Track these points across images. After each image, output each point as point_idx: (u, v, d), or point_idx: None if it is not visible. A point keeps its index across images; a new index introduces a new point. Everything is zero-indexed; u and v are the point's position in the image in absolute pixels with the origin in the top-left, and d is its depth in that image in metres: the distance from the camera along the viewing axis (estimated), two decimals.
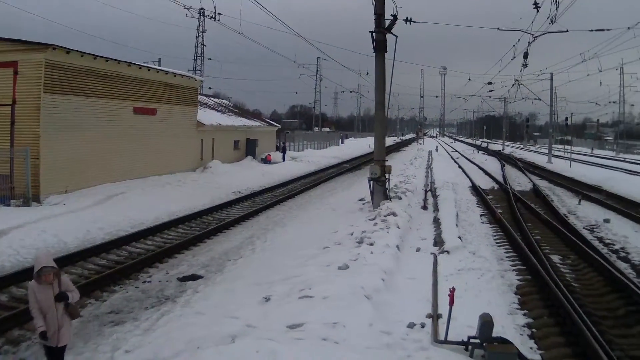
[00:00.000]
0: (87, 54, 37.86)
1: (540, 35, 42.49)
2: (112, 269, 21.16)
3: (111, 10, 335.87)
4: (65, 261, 21.57)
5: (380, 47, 32.75)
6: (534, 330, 14.16)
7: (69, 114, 36.12)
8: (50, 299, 10.95)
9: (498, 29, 45.52)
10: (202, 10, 75.65)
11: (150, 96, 46.79)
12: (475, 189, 44.30)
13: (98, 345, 13.89)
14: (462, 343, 12.41)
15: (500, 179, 52.91)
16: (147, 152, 45.59)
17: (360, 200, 36.30)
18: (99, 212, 30.74)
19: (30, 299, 11.02)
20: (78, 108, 37.05)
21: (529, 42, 45.49)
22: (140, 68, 45.35)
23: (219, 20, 45.58)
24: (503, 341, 12.01)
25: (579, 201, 37.78)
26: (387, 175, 33.26)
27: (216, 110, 68.96)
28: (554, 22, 37.51)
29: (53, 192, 34.11)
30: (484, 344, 11.93)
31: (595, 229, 28.31)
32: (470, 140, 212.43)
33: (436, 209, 32.96)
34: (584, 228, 28.42)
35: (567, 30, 41.11)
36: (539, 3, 33.80)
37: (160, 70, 50.20)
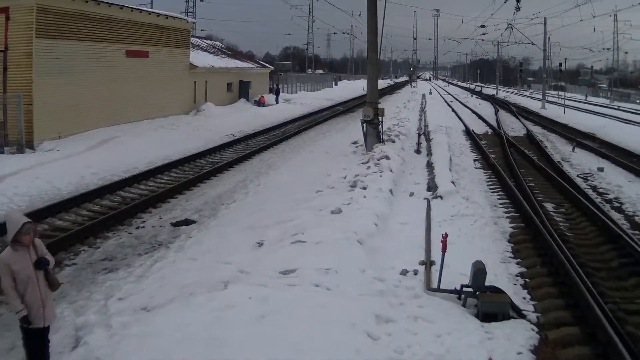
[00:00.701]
0: None
1: None
2: (106, 214, 21.19)
3: None
4: (59, 207, 21.73)
5: None
6: (527, 280, 14.25)
7: (62, 58, 35.85)
8: (29, 267, 9.16)
9: None
10: None
11: (143, 39, 46.52)
12: (468, 133, 44.40)
13: (91, 293, 13.89)
14: (454, 291, 12.51)
15: (494, 123, 53.00)
16: (140, 95, 45.42)
17: (353, 143, 36.34)
18: (93, 157, 30.77)
19: (3, 275, 9.04)
20: (70, 53, 36.79)
21: None
22: (132, 11, 44.95)
23: None
24: (496, 290, 12.08)
25: (573, 148, 37.77)
26: (380, 118, 33.23)
27: (209, 52, 68.59)
28: None
29: (46, 138, 34.02)
30: (477, 293, 12.01)
31: (589, 178, 28.36)
32: (463, 84, 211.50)
33: (429, 153, 33.04)
34: (577, 176, 28.50)
35: None
36: None
37: (152, 12, 49.93)
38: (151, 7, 61.61)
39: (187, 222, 20.72)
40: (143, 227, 20.42)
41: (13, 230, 9.07)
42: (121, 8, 43.05)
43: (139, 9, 46.92)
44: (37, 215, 20.26)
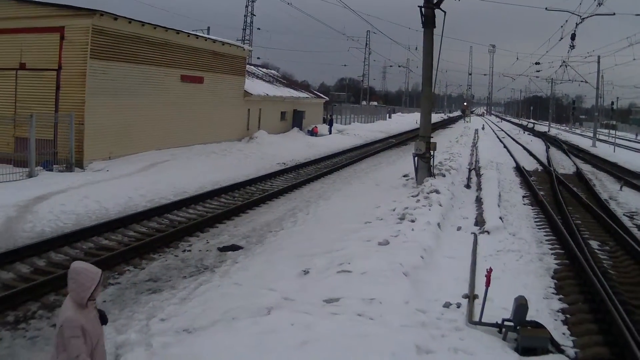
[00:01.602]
0: (135, 20, 37.90)
1: (587, 17, 42.08)
2: (153, 236, 21.17)
3: None
4: (106, 227, 21.76)
5: (428, 22, 32.44)
6: (568, 315, 13.97)
7: (115, 80, 36.16)
8: (99, 325, 7.73)
9: (546, 8, 45.18)
10: None
11: (198, 64, 46.77)
12: (519, 169, 44.01)
13: (134, 312, 13.86)
14: (496, 325, 12.28)
15: (545, 160, 52.48)
16: (194, 120, 45.64)
17: (404, 176, 36.17)
18: (142, 179, 30.86)
19: (75, 338, 7.14)
20: (124, 74, 37.12)
21: (576, 23, 45.27)
22: (188, 36, 45.31)
23: None
24: (537, 325, 11.89)
25: (621, 187, 37.43)
26: (432, 152, 33.03)
27: (264, 80, 68.96)
28: (601, 4, 37.12)
29: (96, 158, 34.31)
30: (518, 327, 11.83)
31: (635, 216, 27.98)
32: (516, 120, 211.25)
33: (479, 188, 32.76)
34: (624, 214, 28.10)
35: (614, 13, 40.67)
36: None
37: (209, 38, 50.11)
38: (208, 33, 61.99)
39: (234, 248, 20.51)
40: (189, 250, 20.32)
41: (90, 284, 7.28)
42: (178, 33, 43.36)
43: (195, 35, 47.26)
44: (83, 234, 20.37)
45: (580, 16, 42.40)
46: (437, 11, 32.38)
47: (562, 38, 52.67)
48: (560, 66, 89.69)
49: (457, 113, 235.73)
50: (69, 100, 33.95)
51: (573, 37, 48.94)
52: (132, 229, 22.58)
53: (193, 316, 13.01)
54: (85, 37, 33.81)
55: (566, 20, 55.70)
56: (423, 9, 32.27)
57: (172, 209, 26.08)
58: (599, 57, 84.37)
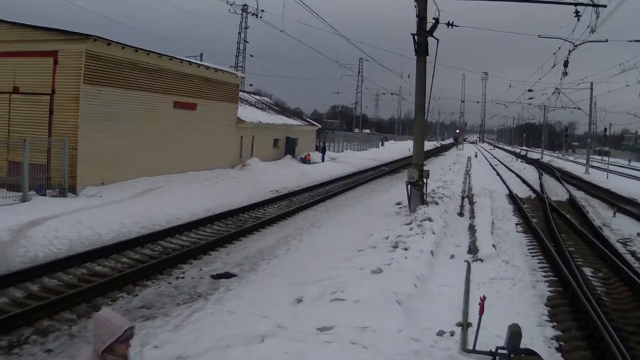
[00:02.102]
0: (129, 46, 38.00)
1: (580, 44, 42.23)
2: (146, 263, 21.12)
3: (152, 3, 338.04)
4: (99, 253, 21.72)
5: (421, 50, 32.58)
6: (561, 343, 14.05)
7: (108, 105, 36.25)
8: None
9: (539, 36, 45.45)
10: (245, 7, 75.82)
11: (191, 91, 46.90)
12: (512, 197, 44.11)
13: None
14: (489, 353, 12.28)
15: (538, 188, 52.62)
16: (186, 147, 45.67)
17: (397, 204, 36.15)
18: (136, 206, 30.83)
19: None
20: (117, 100, 37.21)
21: (569, 50, 45.28)
22: (181, 62, 45.44)
23: (261, 18, 45.69)
24: (530, 353, 12.00)
25: (614, 213, 37.57)
26: (424, 180, 33.09)
27: (257, 107, 69.14)
28: (594, 31, 37.24)
29: (89, 184, 34.27)
30: (512, 355, 11.86)
31: (628, 243, 28.14)
32: (509, 148, 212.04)
33: (472, 215, 32.80)
34: (617, 241, 28.23)
35: (607, 40, 40.80)
36: (579, 12, 33.41)
37: (202, 65, 50.11)
38: (200, 60, 62.11)
39: (227, 275, 20.49)
40: (183, 277, 20.27)
41: (110, 336, 6.55)
42: (171, 59, 43.46)
43: (188, 61, 47.40)
44: (77, 260, 20.36)
45: (573, 43, 42.50)
46: (430, 39, 32.57)
47: (554, 65, 52.85)
48: (553, 93, 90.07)
49: (450, 140, 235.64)
50: (63, 125, 34.01)
51: (566, 64, 49.04)
52: (126, 255, 22.51)
53: (187, 343, 12.99)
54: (79, 61, 33.89)
55: (559, 48, 56.19)
56: (416, 37, 32.42)
57: (165, 236, 26.03)
58: (591, 83, 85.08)
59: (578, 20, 33.92)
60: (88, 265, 20.53)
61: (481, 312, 12.63)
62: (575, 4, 32.46)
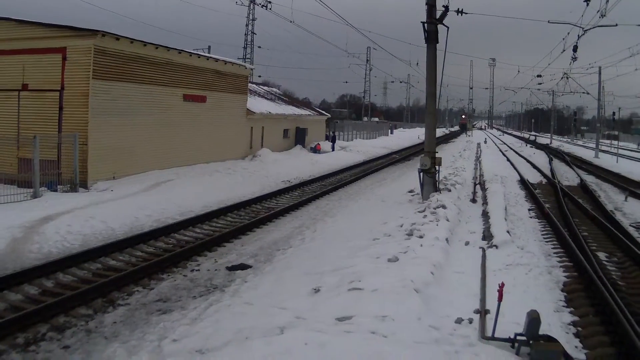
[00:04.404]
0: (137, 40, 37.94)
1: (590, 29, 42.06)
2: (160, 256, 20.99)
3: None
4: (113, 248, 21.61)
5: (431, 37, 32.43)
6: (579, 328, 13.91)
7: (118, 100, 36.25)
8: None
9: (549, 21, 45.40)
10: None
11: (201, 84, 46.89)
12: (523, 182, 43.96)
13: (145, 333, 13.73)
14: (508, 340, 12.15)
15: (548, 172, 52.54)
16: (197, 139, 45.71)
17: (409, 191, 36.07)
18: (147, 199, 30.84)
19: None
20: (127, 94, 37.21)
21: (578, 35, 45.18)
22: (190, 55, 45.42)
23: (270, 9, 45.51)
24: (549, 339, 11.77)
25: (626, 197, 37.40)
26: (437, 167, 32.98)
27: (266, 98, 69.01)
28: (604, 15, 37.09)
29: (101, 178, 34.33)
30: (531, 342, 11.74)
31: None
32: (518, 133, 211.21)
33: (485, 202, 32.65)
34: (630, 225, 27.96)
35: (617, 25, 40.62)
36: None
37: (211, 57, 50.04)
38: (209, 52, 61.99)
39: (243, 267, 20.38)
40: (198, 270, 20.15)
41: None
42: (179, 52, 43.41)
43: (197, 54, 47.43)
44: (91, 255, 20.29)
45: (583, 28, 42.33)
46: (439, 26, 32.39)
47: (564, 50, 52.75)
48: (562, 78, 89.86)
49: (457, 128, 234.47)
50: (72, 121, 34.03)
51: (575, 49, 49.01)
52: (140, 249, 22.40)
53: (205, 336, 12.86)
54: (88, 57, 33.86)
55: (568, 33, 55.81)
56: (426, 25, 32.24)
57: (178, 229, 25.91)
58: (600, 68, 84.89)
59: (587, 4, 33.78)
60: (102, 260, 20.42)
61: (500, 299, 12.49)
62: None
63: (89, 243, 22.43)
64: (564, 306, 15.47)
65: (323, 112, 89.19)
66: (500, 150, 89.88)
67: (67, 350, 12.96)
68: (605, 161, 69.68)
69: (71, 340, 13.53)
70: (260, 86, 79.86)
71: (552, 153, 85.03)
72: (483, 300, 15.09)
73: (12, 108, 35.43)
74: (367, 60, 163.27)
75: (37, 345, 13.23)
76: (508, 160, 68.68)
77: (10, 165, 34.05)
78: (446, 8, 32.23)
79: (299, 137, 69.38)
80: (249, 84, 62.28)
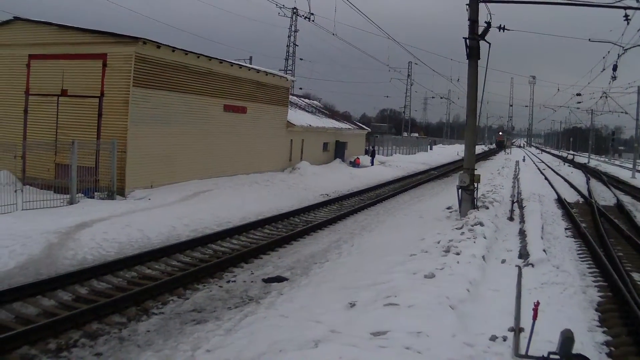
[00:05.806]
0: (179, 49, 38.00)
1: (630, 48, 41.65)
2: (196, 266, 20.96)
3: (201, 6, 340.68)
4: (149, 256, 21.61)
5: (473, 54, 32.16)
6: (612, 348, 13.70)
7: (158, 108, 36.34)
8: None
9: (589, 40, 44.78)
10: (295, 10, 75.80)
11: (241, 94, 46.92)
12: (560, 201, 43.61)
13: (178, 343, 13.70)
14: (542, 358, 11.92)
15: (585, 192, 52.09)
16: (236, 150, 45.79)
17: (447, 208, 35.81)
18: (185, 209, 30.81)
19: None
20: (167, 103, 37.30)
21: (618, 54, 44.66)
22: (231, 65, 45.48)
23: (313, 21, 45.51)
24: (582, 358, 11.58)
25: None
26: (475, 184, 32.74)
27: (306, 111, 69.19)
28: None
29: (138, 187, 34.41)
30: None
31: None
32: (556, 152, 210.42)
33: (522, 220, 32.38)
34: None
35: None
36: (629, 15, 32.80)
37: (252, 68, 50.20)
38: (250, 63, 62.11)
39: (279, 279, 20.28)
40: (234, 281, 20.07)
41: None
42: (221, 62, 43.48)
43: (238, 64, 47.44)
44: (126, 263, 20.26)
45: (623, 47, 41.95)
46: (481, 42, 32.19)
47: (604, 69, 52.37)
48: (601, 97, 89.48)
49: (493, 146, 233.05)
50: (111, 128, 34.10)
51: (615, 68, 48.52)
52: (176, 258, 22.41)
53: (239, 348, 12.77)
54: (128, 64, 33.95)
55: (608, 51, 55.57)
56: (468, 41, 32.03)
57: (215, 239, 25.84)
58: (639, 87, 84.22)
59: (628, 23, 33.41)
60: (138, 269, 20.42)
61: (535, 317, 12.35)
62: (625, 8, 31.88)
63: (125, 251, 22.47)
64: (597, 326, 15.29)
65: (363, 126, 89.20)
66: (539, 169, 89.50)
67: (99, 358, 12.92)
68: None
69: (104, 347, 13.50)
70: (301, 99, 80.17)
71: (589, 172, 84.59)
72: (517, 318, 14.90)
73: (50, 113, 35.57)
74: (409, 74, 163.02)
75: (69, 351, 13.20)
76: (546, 178, 68.28)
77: (48, 170, 34.14)
78: (488, 24, 31.99)
79: (339, 150, 69.31)
80: (290, 96, 62.46)
